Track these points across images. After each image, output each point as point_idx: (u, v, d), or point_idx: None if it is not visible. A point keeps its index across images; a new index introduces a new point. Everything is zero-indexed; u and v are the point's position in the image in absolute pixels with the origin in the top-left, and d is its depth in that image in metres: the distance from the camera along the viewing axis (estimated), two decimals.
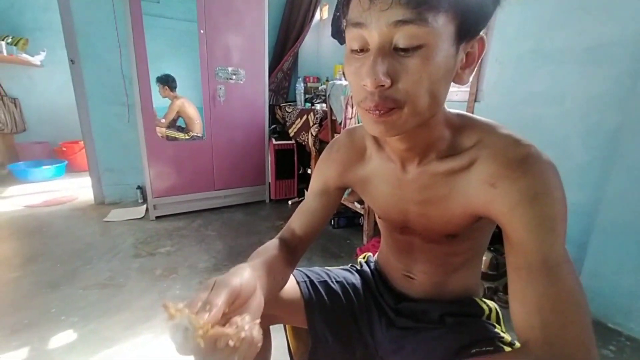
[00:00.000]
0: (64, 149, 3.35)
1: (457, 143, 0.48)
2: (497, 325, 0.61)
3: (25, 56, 2.89)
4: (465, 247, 0.58)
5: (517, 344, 0.55)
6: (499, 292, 1.35)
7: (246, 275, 0.41)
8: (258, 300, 0.42)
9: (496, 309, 0.64)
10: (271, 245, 0.58)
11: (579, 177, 1.32)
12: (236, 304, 0.38)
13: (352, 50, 0.41)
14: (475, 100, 1.65)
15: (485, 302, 0.64)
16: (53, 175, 3.08)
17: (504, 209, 0.43)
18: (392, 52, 0.38)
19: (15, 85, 3.25)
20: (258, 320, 0.36)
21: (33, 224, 2.08)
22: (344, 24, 0.42)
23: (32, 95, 3.34)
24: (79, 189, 2.78)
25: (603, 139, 1.25)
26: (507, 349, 0.53)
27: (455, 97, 1.76)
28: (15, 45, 2.86)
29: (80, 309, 1.28)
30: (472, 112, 1.57)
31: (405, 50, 0.37)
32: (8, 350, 1.07)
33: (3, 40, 2.67)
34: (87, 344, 1.11)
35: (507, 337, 0.56)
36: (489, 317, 0.62)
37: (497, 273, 1.32)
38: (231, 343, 0.32)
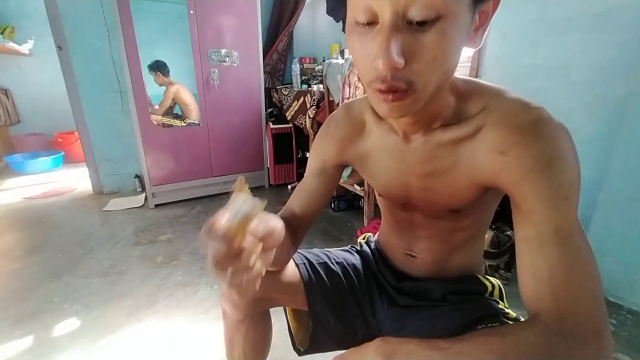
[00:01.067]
0: (60, 140, 3.32)
1: (462, 110, 0.45)
2: (500, 302, 0.60)
3: (12, 45, 2.81)
4: (469, 223, 0.56)
5: (522, 319, 0.54)
6: (500, 269, 1.35)
7: (279, 225, 0.42)
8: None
9: (499, 286, 0.62)
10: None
11: (583, 150, 1.27)
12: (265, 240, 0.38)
13: (358, 22, 0.36)
14: (476, 75, 1.60)
15: (488, 279, 0.62)
16: (50, 166, 3.06)
17: (515, 176, 0.40)
18: (406, 27, 0.34)
19: (5, 76, 3.18)
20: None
21: (33, 215, 2.08)
22: None
23: (24, 86, 3.27)
24: (77, 180, 2.76)
25: (608, 110, 1.21)
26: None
27: (456, 73, 1.70)
28: (2, 34, 2.77)
29: (82, 297, 1.28)
30: None
31: (420, 23, 0.33)
32: (13, 339, 1.08)
33: None
34: (91, 330, 1.12)
35: (512, 313, 0.55)
36: (492, 294, 0.61)
37: (499, 251, 1.31)
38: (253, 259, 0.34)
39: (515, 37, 1.44)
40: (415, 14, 0.32)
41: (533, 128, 0.39)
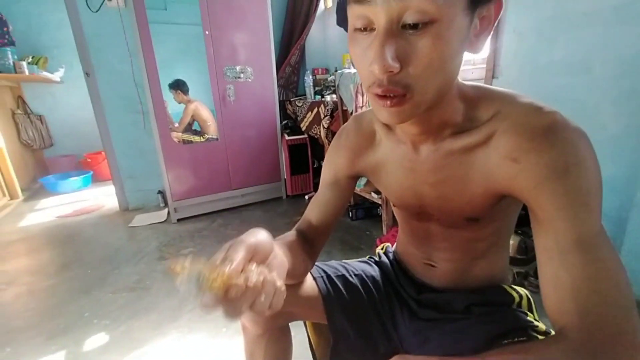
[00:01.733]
0: (89, 160, 3.50)
1: (472, 117, 0.44)
2: (529, 314, 0.56)
3: (45, 74, 3.02)
4: (489, 232, 0.53)
5: (553, 332, 0.51)
6: (530, 277, 1.28)
7: (261, 234, 0.40)
8: (279, 260, 0.42)
9: (527, 296, 0.59)
10: (289, 234, 0.57)
11: (613, 148, 1.22)
12: (255, 260, 0.37)
13: (356, 29, 0.38)
14: (492, 77, 1.56)
15: (514, 289, 0.59)
16: (80, 185, 3.22)
17: (530, 184, 0.38)
18: (401, 32, 0.34)
19: (40, 103, 3.41)
20: (275, 272, 0.36)
21: (65, 233, 2.19)
22: (330, 3, 0.39)
23: (56, 111, 3.49)
24: (104, 197, 2.89)
25: (638, 105, 1.14)
26: (542, 338, 0.49)
27: (471, 75, 1.67)
28: (36, 64, 2.98)
29: (111, 312, 1.33)
30: None
31: (414, 27, 0.33)
32: (47, 354, 1.12)
33: (24, 60, 2.79)
34: (119, 345, 1.15)
35: (541, 325, 0.52)
36: (519, 304, 0.58)
37: (527, 257, 1.25)
38: (250, 282, 0.32)
39: (532, 35, 1.40)
40: (410, 17, 0.33)
41: (547, 133, 0.38)
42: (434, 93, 0.38)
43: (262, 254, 0.38)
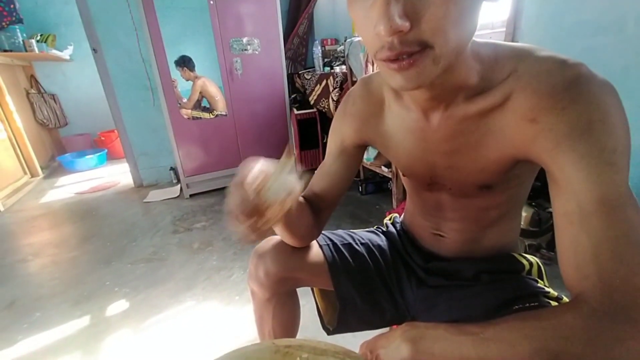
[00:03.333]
0: (103, 138, 3.57)
1: (488, 77, 0.40)
2: (539, 280, 0.55)
3: (55, 52, 3.02)
4: (502, 200, 0.51)
5: (565, 299, 0.50)
6: (542, 249, 1.26)
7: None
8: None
9: (538, 264, 0.58)
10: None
11: None
12: None
13: None
14: (512, 41, 1.46)
15: (524, 257, 0.58)
16: (96, 163, 3.31)
17: (549, 145, 0.36)
18: None
19: (52, 82, 3.45)
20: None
21: (84, 208, 2.27)
22: None
23: (68, 90, 3.53)
24: (119, 175, 2.97)
25: None
26: (554, 304, 0.47)
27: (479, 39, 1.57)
28: (45, 42, 2.98)
29: (130, 281, 1.39)
30: None
31: None
32: (73, 318, 1.20)
33: (33, 38, 2.79)
34: (139, 311, 1.21)
35: (553, 292, 0.51)
36: (529, 272, 0.56)
37: (540, 229, 1.22)
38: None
39: None
40: None
41: (569, 88, 0.34)
42: (453, 50, 0.34)
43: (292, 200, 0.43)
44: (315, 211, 0.60)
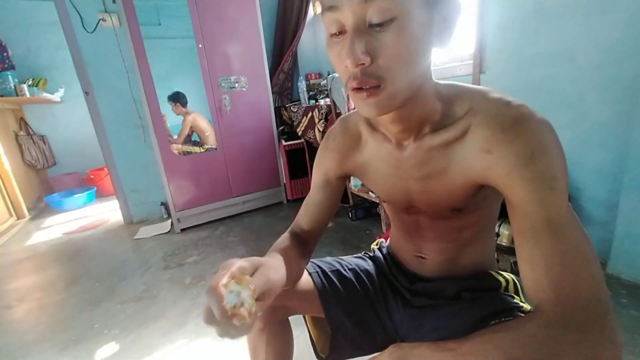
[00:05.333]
0: (92, 176, 3.56)
1: (449, 113, 0.48)
2: (515, 296, 0.59)
3: (46, 95, 3.09)
4: (473, 220, 0.56)
5: None
6: None
7: (280, 274, 0.47)
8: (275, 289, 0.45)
9: (513, 280, 0.62)
10: (283, 239, 0.61)
11: (600, 136, 1.25)
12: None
13: (332, 35, 0.42)
14: (480, 72, 1.59)
15: (501, 275, 0.62)
16: (85, 202, 3.28)
17: (502, 172, 0.42)
18: (368, 30, 0.38)
19: (42, 124, 3.49)
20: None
21: (72, 248, 2.23)
22: (320, 10, 0.43)
23: (57, 130, 3.56)
24: (109, 212, 2.94)
25: (621, 91, 1.18)
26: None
27: (460, 72, 1.70)
28: (36, 86, 3.06)
29: (120, 322, 1.36)
30: (479, 84, 1.52)
31: (379, 25, 0.38)
32: None
33: (24, 83, 2.86)
34: (129, 353, 1.18)
35: (527, 306, 0.55)
36: (506, 289, 0.61)
37: None
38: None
39: (515, 29, 1.43)
40: (374, 17, 0.37)
41: (514, 125, 0.41)
42: (406, 84, 0.41)
43: (270, 295, 0.43)
44: (303, 243, 0.63)
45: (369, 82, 0.40)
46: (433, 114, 0.48)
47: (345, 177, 0.66)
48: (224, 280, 0.37)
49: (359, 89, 0.41)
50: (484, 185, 0.48)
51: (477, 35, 1.56)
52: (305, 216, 0.66)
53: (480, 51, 1.57)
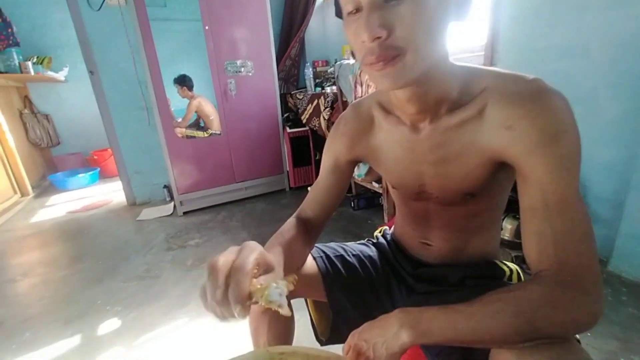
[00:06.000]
0: (96, 157, 3.57)
1: (465, 93, 0.47)
2: None
3: (50, 73, 3.07)
4: (483, 207, 0.56)
5: None
6: None
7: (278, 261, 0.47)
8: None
9: (517, 270, 0.62)
10: (288, 226, 0.60)
11: (610, 132, 1.23)
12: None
13: (349, 13, 0.41)
14: (492, 64, 1.57)
15: (505, 264, 0.62)
16: (88, 182, 3.29)
17: (524, 149, 0.42)
18: (384, 5, 0.38)
19: (46, 102, 3.47)
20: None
21: (75, 227, 2.25)
22: None
23: (62, 110, 3.55)
24: (112, 193, 2.96)
25: (635, 88, 1.15)
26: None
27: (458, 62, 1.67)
28: (41, 64, 3.03)
29: (122, 300, 1.38)
30: None
31: None
32: (64, 338, 1.18)
33: (29, 60, 2.84)
34: (131, 329, 1.20)
35: None
36: (510, 278, 0.61)
37: None
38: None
39: (529, 20, 1.40)
40: None
41: (536, 100, 0.41)
42: (424, 55, 0.40)
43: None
44: (308, 229, 0.63)
45: (386, 55, 0.39)
46: (450, 93, 0.47)
47: (355, 162, 0.66)
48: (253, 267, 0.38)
49: (374, 62, 0.40)
50: (499, 167, 0.48)
51: (490, 26, 1.52)
52: (312, 201, 0.65)
53: (492, 42, 1.54)
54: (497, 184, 0.52)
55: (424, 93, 0.46)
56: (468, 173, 0.50)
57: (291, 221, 0.62)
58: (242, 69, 2.31)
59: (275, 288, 0.38)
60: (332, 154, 0.65)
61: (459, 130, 0.48)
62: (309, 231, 0.63)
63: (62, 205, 2.75)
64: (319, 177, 0.67)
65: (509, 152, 0.44)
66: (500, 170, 0.49)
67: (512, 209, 0.98)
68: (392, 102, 0.54)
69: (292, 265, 0.54)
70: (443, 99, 0.47)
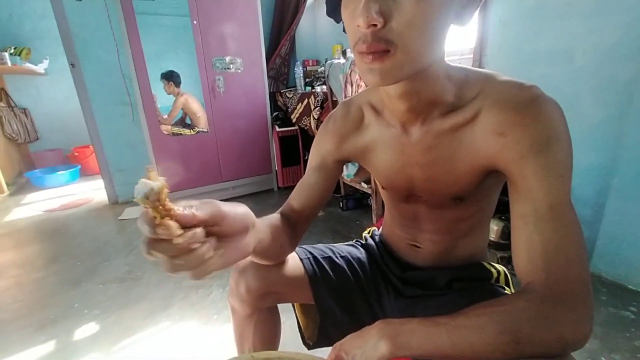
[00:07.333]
0: (76, 154, 3.44)
1: (459, 96, 0.46)
2: (506, 288, 0.59)
3: (29, 65, 2.94)
4: (472, 211, 0.56)
5: None
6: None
7: (240, 209, 0.40)
8: (244, 243, 0.41)
9: (505, 272, 0.62)
10: (273, 217, 0.58)
11: (592, 137, 1.26)
12: (215, 229, 0.36)
13: None
14: (479, 67, 1.58)
15: (493, 266, 0.62)
16: (68, 180, 3.17)
17: (515, 156, 0.42)
18: None
19: (24, 96, 3.33)
20: (222, 251, 0.36)
21: (53, 226, 2.16)
22: None
23: (41, 104, 3.41)
24: (93, 191, 2.86)
25: (616, 94, 1.18)
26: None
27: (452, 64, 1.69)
28: (19, 55, 2.90)
29: (101, 303, 1.33)
30: None
31: None
32: (37, 344, 1.12)
33: (6, 51, 2.71)
34: (110, 334, 1.16)
35: None
36: (497, 280, 0.61)
37: (509, 242, 1.29)
38: (176, 240, 0.31)
39: (517, 25, 1.42)
40: None
41: (529, 107, 0.40)
42: (416, 54, 0.38)
43: (228, 225, 0.37)
44: (292, 226, 0.61)
45: (377, 47, 0.37)
46: (443, 96, 0.46)
47: (343, 162, 0.64)
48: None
49: (365, 53, 0.38)
50: (489, 173, 0.47)
51: (479, 30, 1.54)
52: (297, 197, 0.63)
53: (481, 46, 1.56)
54: (486, 189, 0.52)
55: (416, 91, 0.44)
56: (458, 177, 0.49)
57: (274, 215, 0.59)
58: (231, 66, 2.26)
59: (143, 184, 0.29)
60: (319, 152, 0.63)
61: (451, 134, 0.47)
62: (293, 226, 0.60)
63: (39, 203, 2.64)
64: (305, 175, 0.65)
65: (501, 158, 0.43)
66: (491, 175, 0.48)
67: (499, 210, 0.98)
68: (384, 101, 0.53)
69: (273, 245, 0.51)
70: (436, 101, 0.46)
